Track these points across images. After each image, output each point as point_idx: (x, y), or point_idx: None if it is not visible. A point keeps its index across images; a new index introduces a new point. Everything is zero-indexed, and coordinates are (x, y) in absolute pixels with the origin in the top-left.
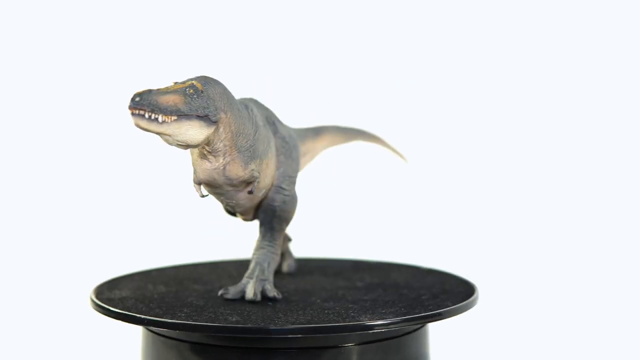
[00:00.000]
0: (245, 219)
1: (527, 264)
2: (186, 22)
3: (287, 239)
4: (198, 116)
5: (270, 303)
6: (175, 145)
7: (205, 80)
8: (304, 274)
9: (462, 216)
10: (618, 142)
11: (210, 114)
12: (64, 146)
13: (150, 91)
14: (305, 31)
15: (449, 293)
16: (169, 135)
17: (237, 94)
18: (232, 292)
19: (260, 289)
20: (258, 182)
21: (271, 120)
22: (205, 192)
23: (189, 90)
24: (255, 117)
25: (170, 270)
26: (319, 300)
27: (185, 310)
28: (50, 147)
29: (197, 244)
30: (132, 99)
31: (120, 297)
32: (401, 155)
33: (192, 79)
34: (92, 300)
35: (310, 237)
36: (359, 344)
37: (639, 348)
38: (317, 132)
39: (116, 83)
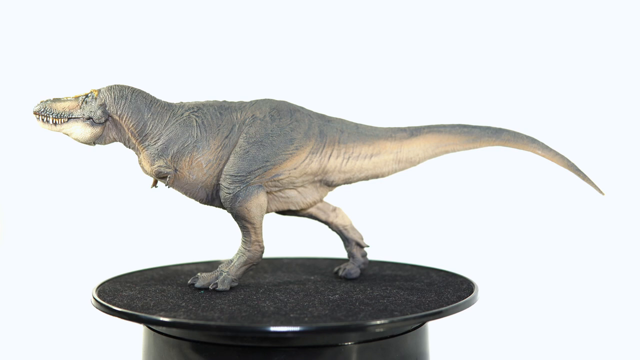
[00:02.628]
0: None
1: (527, 261)
2: (200, 26)
3: (357, 245)
4: (84, 118)
5: (202, 292)
6: (80, 142)
7: (108, 88)
8: (303, 273)
9: (461, 214)
10: (618, 141)
11: (94, 116)
12: (64, 147)
13: (50, 100)
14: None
15: (448, 291)
16: (66, 134)
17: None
18: (199, 278)
19: (212, 279)
20: (170, 177)
21: (250, 122)
22: (159, 184)
23: (87, 98)
24: (197, 119)
25: (172, 269)
26: (318, 299)
27: (186, 308)
28: (50, 148)
29: (199, 243)
30: (34, 105)
31: (122, 296)
32: (575, 170)
33: (99, 88)
34: (94, 299)
35: (311, 238)
36: (358, 343)
37: (639, 347)
38: (413, 132)
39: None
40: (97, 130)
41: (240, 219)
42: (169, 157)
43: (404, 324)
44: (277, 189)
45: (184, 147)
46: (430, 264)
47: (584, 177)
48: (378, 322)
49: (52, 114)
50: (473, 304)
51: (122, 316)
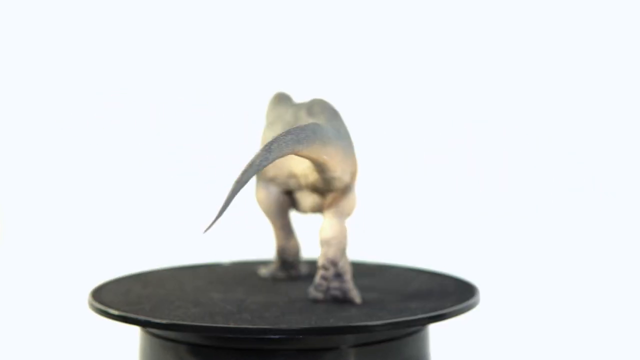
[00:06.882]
0: None
1: (528, 265)
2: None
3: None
4: None
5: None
6: None
7: None
8: (304, 276)
9: (462, 217)
10: (617, 142)
11: None
12: (64, 147)
13: None
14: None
15: (449, 294)
16: None
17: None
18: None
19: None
20: None
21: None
22: None
23: None
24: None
25: (168, 272)
26: (318, 302)
27: (183, 311)
28: (50, 148)
29: (196, 246)
30: None
31: (118, 298)
32: None
33: None
34: (90, 302)
35: (313, 238)
36: (358, 346)
37: (639, 347)
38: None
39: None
40: None
41: None
42: None
43: (405, 327)
44: (281, 188)
45: None
46: (431, 267)
47: (225, 203)
48: (378, 324)
49: None
50: (474, 307)
51: (118, 319)
